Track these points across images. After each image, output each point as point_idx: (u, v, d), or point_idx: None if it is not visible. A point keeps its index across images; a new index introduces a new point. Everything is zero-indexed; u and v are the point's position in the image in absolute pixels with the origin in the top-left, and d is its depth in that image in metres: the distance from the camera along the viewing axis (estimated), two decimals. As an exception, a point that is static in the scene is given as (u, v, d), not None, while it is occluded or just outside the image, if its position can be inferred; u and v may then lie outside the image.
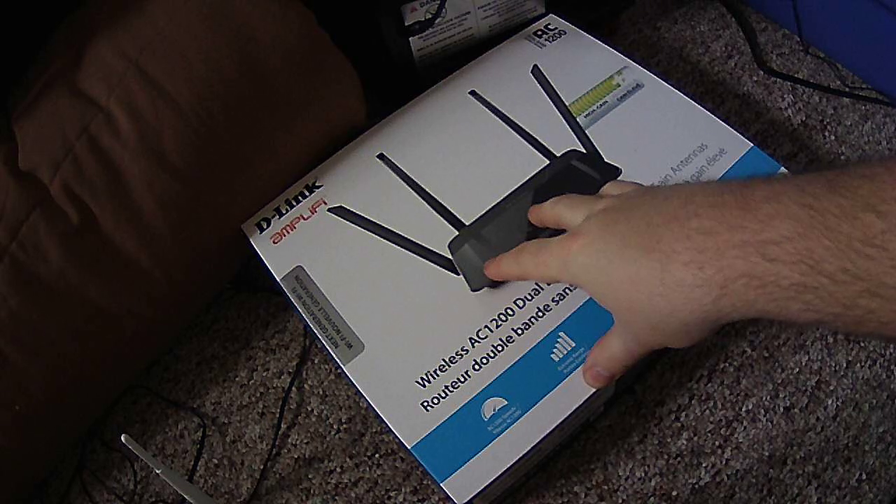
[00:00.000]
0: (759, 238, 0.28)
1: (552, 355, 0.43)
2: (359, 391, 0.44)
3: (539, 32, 0.59)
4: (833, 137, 0.61)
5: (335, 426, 0.52)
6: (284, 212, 0.52)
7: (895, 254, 0.25)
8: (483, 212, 0.49)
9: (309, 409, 0.53)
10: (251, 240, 0.51)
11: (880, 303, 0.26)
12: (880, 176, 0.26)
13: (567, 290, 0.45)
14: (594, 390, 0.42)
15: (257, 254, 0.51)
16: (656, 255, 0.32)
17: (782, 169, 0.49)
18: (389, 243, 0.49)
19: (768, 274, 0.28)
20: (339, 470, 0.51)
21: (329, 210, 0.51)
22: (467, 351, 0.44)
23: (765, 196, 0.29)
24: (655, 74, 0.54)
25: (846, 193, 0.26)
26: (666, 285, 0.32)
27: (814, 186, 0.28)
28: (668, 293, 0.32)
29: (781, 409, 0.50)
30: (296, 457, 0.52)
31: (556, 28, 0.59)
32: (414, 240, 0.49)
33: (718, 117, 0.51)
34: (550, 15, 0.60)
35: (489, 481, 0.40)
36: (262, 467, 0.51)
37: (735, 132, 0.50)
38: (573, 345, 0.43)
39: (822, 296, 0.27)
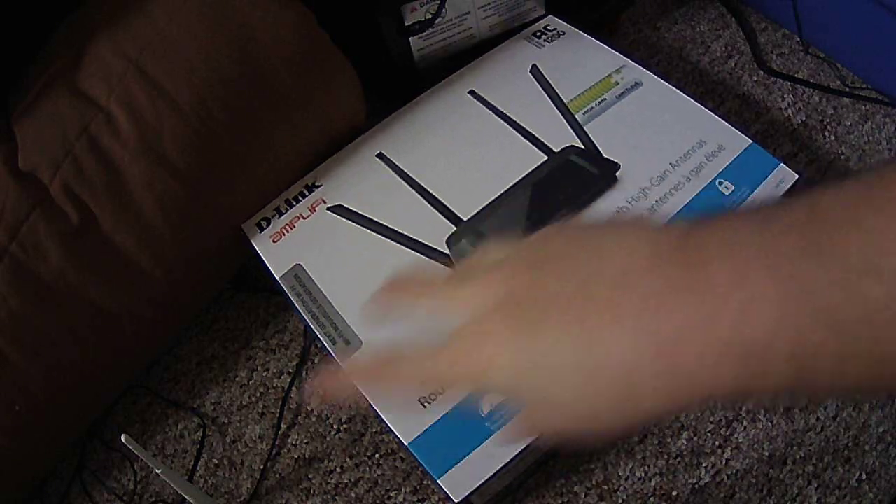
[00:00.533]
0: (740, 338, 0.22)
1: (551, 353, 0.43)
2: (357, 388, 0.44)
3: (538, 33, 0.59)
4: (833, 137, 0.61)
5: (335, 426, 0.52)
6: (284, 211, 0.52)
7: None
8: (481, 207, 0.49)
9: (309, 409, 0.53)
10: (251, 239, 0.51)
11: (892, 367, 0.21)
12: (867, 221, 0.21)
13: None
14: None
15: (257, 253, 0.51)
16: (608, 371, 0.24)
17: (782, 166, 0.49)
18: (388, 241, 0.49)
19: (756, 377, 0.23)
20: (339, 470, 0.51)
21: (328, 209, 0.51)
22: (466, 349, 0.44)
23: (730, 276, 0.22)
24: (655, 74, 0.54)
25: (828, 256, 0.21)
26: (632, 405, 0.25)
27: (786, 248, 0.22)
28: (639, 412, 0.25)
29: (781, 409, 0.49)
30: (296, 457, 0.51)
31: (555, 29, 0.59)
32: (413, 237, 0.49)
33: (719, 116, 0.51)
34: (549, 16, 0.61)
35: (486, 477, 0.40)
36: (262, 467, 0.51)
37: (734, 129, 0.50)
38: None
39: (823, 379, 0.22)
